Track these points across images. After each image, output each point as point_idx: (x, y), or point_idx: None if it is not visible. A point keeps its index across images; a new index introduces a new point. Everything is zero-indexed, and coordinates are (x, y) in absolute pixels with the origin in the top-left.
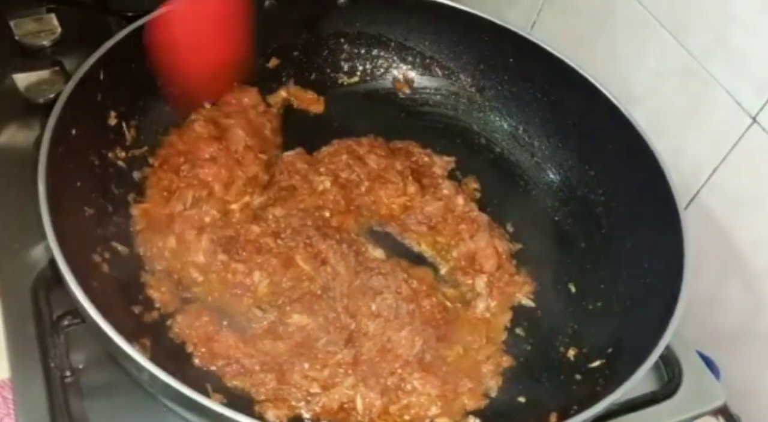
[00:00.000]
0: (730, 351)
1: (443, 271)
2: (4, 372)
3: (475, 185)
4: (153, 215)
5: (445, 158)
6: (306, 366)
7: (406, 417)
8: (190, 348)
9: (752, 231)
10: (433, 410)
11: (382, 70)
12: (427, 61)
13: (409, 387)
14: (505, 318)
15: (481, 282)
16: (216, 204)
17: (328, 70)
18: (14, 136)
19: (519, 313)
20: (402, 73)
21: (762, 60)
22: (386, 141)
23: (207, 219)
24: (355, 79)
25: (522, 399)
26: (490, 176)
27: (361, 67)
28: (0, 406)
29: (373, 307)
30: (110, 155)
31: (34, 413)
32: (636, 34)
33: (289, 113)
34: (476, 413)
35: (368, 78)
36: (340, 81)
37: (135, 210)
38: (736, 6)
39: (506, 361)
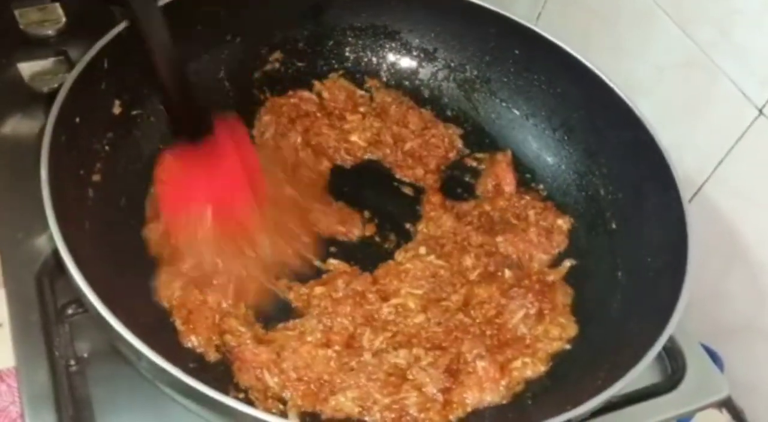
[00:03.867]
0: (734, 344)
1: None
2: (9, 361)
3: None
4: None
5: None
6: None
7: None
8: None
9: (757, 224)
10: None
11: (387, 62)
12: (433, 52)
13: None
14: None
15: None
16: None
17: (333, 62)
18: (18, 125)
19: None
20: (408, 65)
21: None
22: None
23: None
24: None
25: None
26: None
27: (366, 59)
28: (5, 394)
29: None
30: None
31: (39, 401)
32: (641, 24)
33: None
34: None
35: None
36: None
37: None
38: (739, 0)
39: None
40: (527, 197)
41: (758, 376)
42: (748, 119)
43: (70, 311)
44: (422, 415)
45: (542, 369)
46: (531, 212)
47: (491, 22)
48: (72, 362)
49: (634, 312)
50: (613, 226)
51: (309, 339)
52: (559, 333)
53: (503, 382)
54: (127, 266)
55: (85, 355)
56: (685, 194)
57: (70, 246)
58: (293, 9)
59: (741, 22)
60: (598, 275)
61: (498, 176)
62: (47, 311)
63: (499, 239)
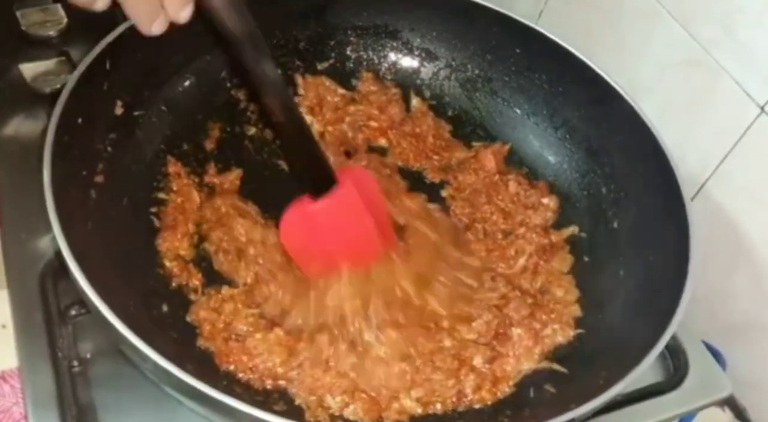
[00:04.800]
0: (737, 342)
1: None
2: (12, 362)
3: None
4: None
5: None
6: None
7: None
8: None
9: (760, 222)
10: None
11: (388, 61)
12: (434, 52)
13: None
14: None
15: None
16: None
17: (334, 61)
18: (21, 126)
19: None
20: (409, 64)
21: None
22: None
23: None
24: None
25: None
26: None
27: (367, 58)
28: (9, 395)
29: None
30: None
31: (42, 402)
32: (643, 22)
33: None
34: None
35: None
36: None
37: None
38: None
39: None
40: (512, 174)
41: (761, 374)
42: (750, 117)
43: (73, 313)
44: (476, 396)
45: (571, 333)
46: (512, 184)
47: (492, 21)
48: (75, 363)
49: (636, 311)
50: (615, 225)
51: (378, 355)
52: (564, 294)
53: (536, 349)
54: (129, 267)
55: (88, 356)
56: (687, 192)
57: (73, 247)
58: (294, 9)
59: (743, 20)
60: (600, 274)
61: (480, 160)
62: (50, 312)
63: (485, 207)
